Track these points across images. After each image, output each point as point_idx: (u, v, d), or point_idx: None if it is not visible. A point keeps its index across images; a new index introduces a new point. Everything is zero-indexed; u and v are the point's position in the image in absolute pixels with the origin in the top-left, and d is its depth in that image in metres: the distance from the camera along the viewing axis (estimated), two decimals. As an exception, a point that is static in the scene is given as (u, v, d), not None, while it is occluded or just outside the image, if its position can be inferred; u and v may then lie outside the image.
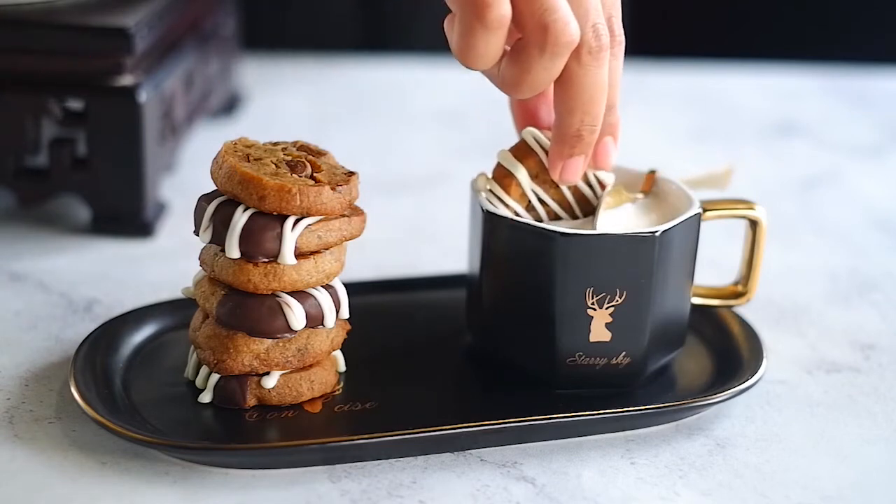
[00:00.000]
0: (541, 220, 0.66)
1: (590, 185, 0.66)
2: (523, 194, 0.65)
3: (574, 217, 0.66)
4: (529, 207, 0.65)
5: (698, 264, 0.67)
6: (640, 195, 0.68)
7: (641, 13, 1.37)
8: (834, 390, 0.68)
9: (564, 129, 0.61)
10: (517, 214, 0.65)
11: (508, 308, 0.65)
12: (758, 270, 0.69)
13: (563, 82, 0.60)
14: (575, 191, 0.66)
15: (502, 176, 0.65)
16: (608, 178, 0.67)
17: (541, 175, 0.65)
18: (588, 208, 0.67)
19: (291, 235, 0.59)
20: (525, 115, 0.67)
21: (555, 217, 0.66)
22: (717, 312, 0.71)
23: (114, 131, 0.79)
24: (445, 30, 0.60)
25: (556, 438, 0.62)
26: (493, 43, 0.57)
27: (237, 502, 0.57)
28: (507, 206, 0.65)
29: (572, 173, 0.63)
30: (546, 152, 0.64)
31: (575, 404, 0.62)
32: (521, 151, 0.65)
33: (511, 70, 0.59)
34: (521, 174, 0.64)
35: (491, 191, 0.65)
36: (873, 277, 0.82)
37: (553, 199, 0.66)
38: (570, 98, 0.60)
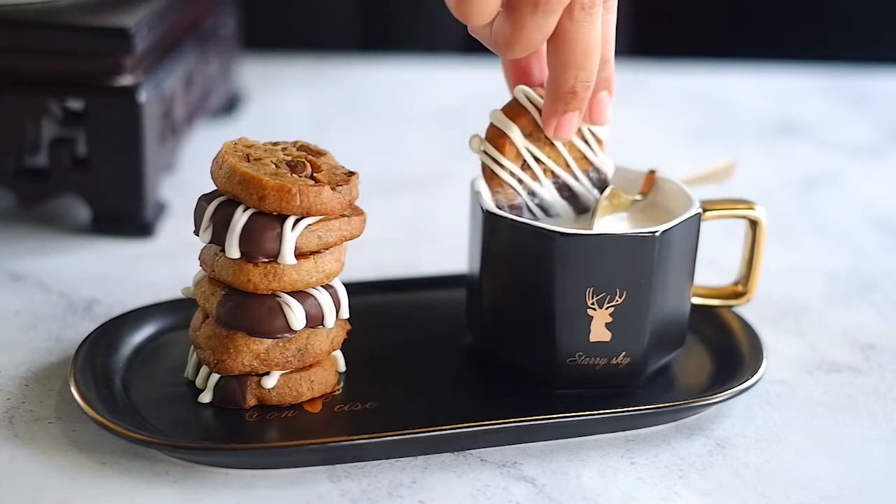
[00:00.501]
0: (537, 179, 0.65)
1: (585, 141, 0.66)
2: (518, 154, 0.64)
3: (572, 175, 0.66)
4: (525, 167, 0.65)
5: (698, 264, 0.67)
6: (640, 197, 0.68)
7: (641, 13, 1.37)
8: (834, 390, 0.68)
9: (558, 85, 0.61)
10: (513, 174, 0.64)
11: (508, 308, 0.65)
12: (758, 270, 0.69)
13: (557, 39, 0.59)
14: (570, 147, 0.66)
15: (496, 136, 0.64)
16: (603, 133, 0.66)
17: (534, 133, 0.65)
18: (584, 165, 0.66)
19: (291, 235, 0.59)
20: (517, 73, 0.66)
21: (552, 176, 0.66)
22: (717, 312, 0.71)
23: (114, 131, 0.79)
24: None
25: (556, 438, 0.62)
26: None
27: (237, 502, 0.57)
28: (502, 166, 0.64)
29: (567, 130, 0.63)
30: (538, 110, 0.64)
31: (575, 404, 0.62)
32: (514, 110, 0.64)
33: (504, 29, 0.58)
34: (515, 133, 0.64)
35: (485, 152, 0.65)
36: (873, 277, 0.82)
37: (548, 157, 0.65)
38: (564, 55, 0.60)
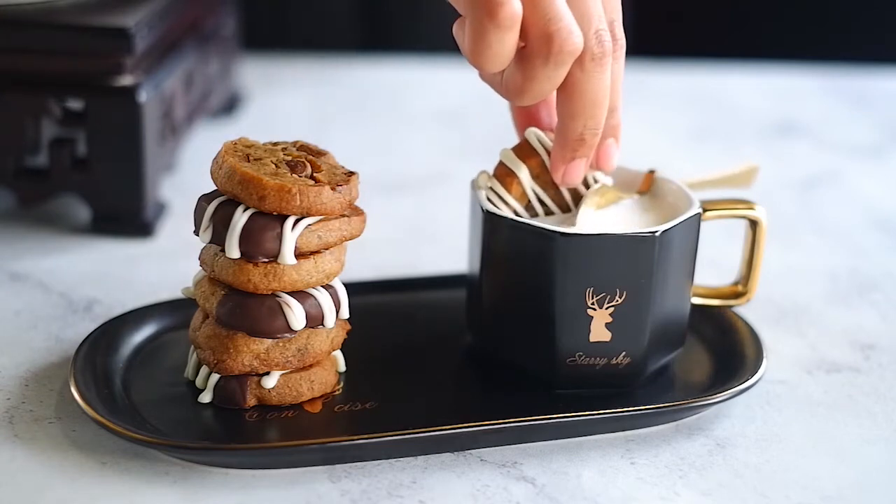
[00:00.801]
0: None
1: (588, 188, 0.66)
2: (524, 193, 0.65)
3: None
4: (528, 207, 0.65)
5: (698, 264, 0.67)
6: (636, 196, 0.68)
7: (642, 13, 1.37)
8: (834, 390, 0.68)
9: (567, 133, 0.61)
10: (516, 213, 0.65)
11: (508, 308, 0.65)
12: (758, 270, 0.69)
13: (567, 88, 0.60)
14: (574, 192, 0.66)
15: (504, 174, 0.65)
16: (607, 180, 0.67)
17: (542, 176, 0.65)
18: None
19: (291, 235, 0.59)
20: (526, 118, 0.67)
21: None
22: (717, 312, 0.71)
23: (114, 131, 0.79)
24: (455, 35, 0.60)
25: (556, 438, 0.62)
26: (507, 42, 0.57)
27: (237, 502, 0.57)
28: (507, 203, 0.65)
29: (574, 176, 0.63)
30: (548, 153, 0.64)
31: (575, 404, 0.62)
32: (524, 151, 0.65)
33: (515, 78, 0.59)
34: (523, 174, 0.65)
35: (492, 188, 0.65)
36: (873, 277, 0.82)
37: (552, 200, 0.66)
38: (573, 104, 0.60)
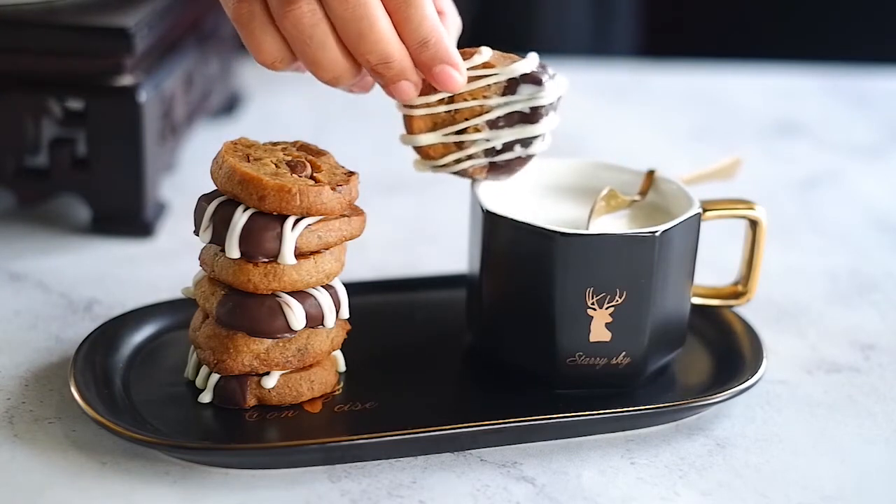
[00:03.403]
0: (478, 140, 0.64)
1: (477, 78, 0.63)
2: (443, 145, 0.64)
3: (498, 106, 0.63)
4: (461, 146, 0.64)
5: (698, 264, 0.67)
6: (638, 197, 0.68)
7: (642, 14, 1.37)
8: (834, 390, 0.68)
9: (368, 68, 0.61)
10: (458, 161, 0.64)
11: (508, 308, 0.65)
12: (758, 270, 0.69)
13: (337, 30, 0.60)
14: (471, 93, 0.64)
15: (420, 151, 0.65)
16: (481, 58, 0.63)
17: (437, 119, 0.64)
18: (495, 90, 0.63)
19: (291, 235, 0.59)
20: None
21: (488, 124, 0.64)
22: (717, 312, 0.71)
23: (114, 131, 0.79)
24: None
25: (556, 438, 0.62)
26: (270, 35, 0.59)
27: (237, 502, 0.57)
28: (445, 165, 0.65)
29: (404, 95, 0.62)
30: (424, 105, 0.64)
31: (575, 404, 0.62)
32: (407, 122, 0.65)
33: (301, 54, 0.60)
34: (421, 139, 0.64)
35: (438, 167, 0.65)
36: (873, 277, 0.82)
37: (467, 118, 0.64)
38: (346, 41, 0.60)
